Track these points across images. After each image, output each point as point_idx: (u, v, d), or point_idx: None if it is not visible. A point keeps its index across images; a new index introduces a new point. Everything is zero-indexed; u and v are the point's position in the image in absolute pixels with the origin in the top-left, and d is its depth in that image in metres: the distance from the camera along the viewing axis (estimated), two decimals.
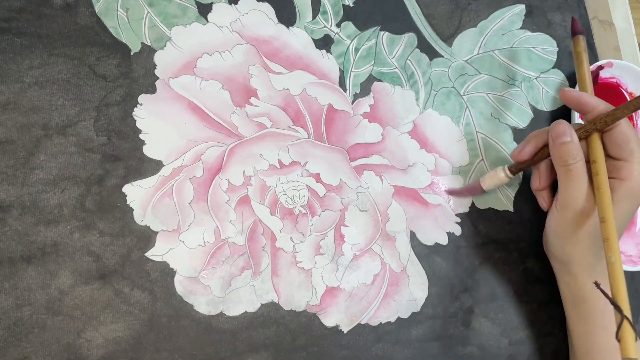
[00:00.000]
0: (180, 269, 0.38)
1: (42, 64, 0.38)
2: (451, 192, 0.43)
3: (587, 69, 0.40)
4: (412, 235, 0.42)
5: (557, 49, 0.47)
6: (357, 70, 0.43)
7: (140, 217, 0.38)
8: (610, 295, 0.30)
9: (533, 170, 0.40)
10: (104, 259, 0.37)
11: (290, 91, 0.42)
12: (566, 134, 0.35)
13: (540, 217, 0.44)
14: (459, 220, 0.43)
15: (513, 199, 0.44)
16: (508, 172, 0.40)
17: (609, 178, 0.35)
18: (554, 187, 0.39)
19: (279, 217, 0.40)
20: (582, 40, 0.40)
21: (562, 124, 0.36)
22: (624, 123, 0.35)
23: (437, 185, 0.43)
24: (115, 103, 0.39)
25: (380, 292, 0.41)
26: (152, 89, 0.39)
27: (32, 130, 0.37)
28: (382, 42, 0.44)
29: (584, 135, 0.36)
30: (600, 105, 0.36)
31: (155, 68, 0.40)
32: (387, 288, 0.41)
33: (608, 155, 0.36)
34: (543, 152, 0.38)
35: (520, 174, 0.44)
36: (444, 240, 0.42)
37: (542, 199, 0.40)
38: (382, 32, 0.44)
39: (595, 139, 0.36)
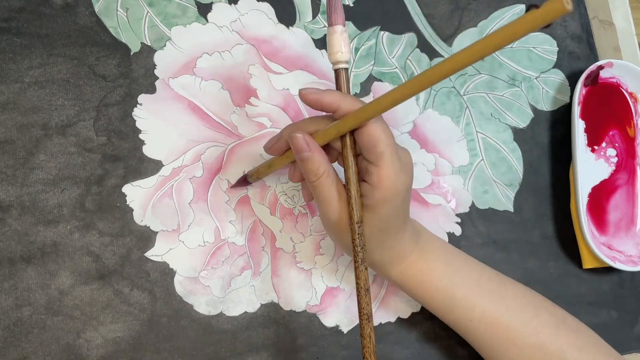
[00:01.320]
0: (180, 269, 0.38)
1: (41, 64, 0.38)
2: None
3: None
4: None
5: (557, 49, 0.47)
6: (357, 70, 0.43)
7: (140, 217, 0.38)
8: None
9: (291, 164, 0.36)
10: (103, 259, 0.37)
11: (290, 91, 0.42)
12: (304, 149, 0.31)
13: (540, 217, 0.44)
14: (459, 220, 0.43)
15: (513, 199, 0.44)
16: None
17: (363, 181, 0.32)
18: None
19: (278, 217, 0.40)
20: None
21: (297, 138, 0.31)
22: (373, 122, 0.30)
23: (438, 185, 0.43)
24: (115, 103, 0.39)
25: (380, 292, 0.41)
26: (151, 89, 0.39)
27: (31, 130, 0.37)
28: (382, 42, 0.44)
29: (328, 141, 0.32)
30: (345, 103, 0.31)
31: (155, 68, 0.40)
32: (387, 288, 0.41)
33: (362, 157, 0.32)
34: (290, 154, 0.34)
35: (520, 173, 0.44)
36: None
37: (304, 191, 0.37)
38: (382, 32, 0.44)
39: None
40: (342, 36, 0.31)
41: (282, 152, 0.35)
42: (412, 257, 0.36)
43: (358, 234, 0.32)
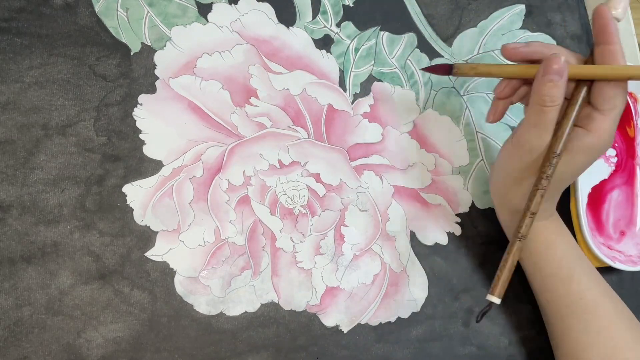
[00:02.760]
0: (180, 269, 0.38)
1: (42, 64, 0.38)
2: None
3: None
4: (412, 235, 0.42)
5: None
6: (357, 70, 0.43)
7: (140, 217, 0.38)
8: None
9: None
10: (104, 259, 0.37)
11: (290, 91, 0.42)
12: (559, 73, 0.32)
13: None
14: (459, 220, 0.43)
15: None
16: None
17: (576, 126, 0.34)
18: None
19: (279, 217, 0.40)
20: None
21: (560, 61, 0.32)
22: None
23: (438, 184, 0.43)
24: (115, 103, 0.39)
25: (380, 292, 0.41)
26: (152, 89, 0.39)
27: (32, 130, 0.37)
28: (382, 42, 0.44)
29: (577, 77, 0.34)
30: (618, 45, 0.33)
31: (155, 68, 0.40)
32: (387, 288, 0.41)
33: (587, 101, 0.34)
34: (524, 69, 0.35)
35: None
36: (444, 240, 0.42)
37: (494, 109, 0.38)
38: (382, 32, 0.44)
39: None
40: None
41: (518, 60, 0.35)
42: (552, 217, 0.38)
43: (551, 164, 0.33)
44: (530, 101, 0.34)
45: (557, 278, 0.37)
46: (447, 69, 0.37)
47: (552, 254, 0.37)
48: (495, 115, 0.38)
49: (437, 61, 0.45)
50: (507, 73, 0.36)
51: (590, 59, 0.35)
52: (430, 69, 0.39)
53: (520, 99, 0.38)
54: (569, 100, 0.34)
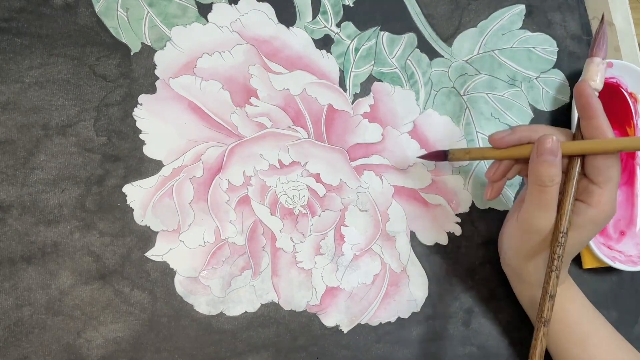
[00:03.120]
0: (180, 269, 0.38)
1: (42, 64, 0.38)
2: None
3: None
4: (412, 235, 0.42)
5: (557, 49, 0.47)
6: (357, 70, 0.43)
7: (140, 217, 0.38)
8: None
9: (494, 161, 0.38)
10: (104, 259, 0.37)
11: (290, 91, 0.42)
12: (553, 153, 0.33)
13: None
14: (459, 220, 0.43)
15: (513, 198, 0.44)
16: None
17: (577, 200, 0.34)
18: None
19: (279, 217, 0.40)
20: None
21: (551, 140, 0.33)
22: None
23: (438, 185, 0.43)
24: (115, 103, 0.39)
25: (380, 292, 0.41)
26: (152, 89, 0.39)
27: (32, 130, 0.37)
28: (382, 42, 0.44)
29: (570, 154, 0.34)
30: (603, 119, 0.33)
31: (155, 68, 0.40)
32: (387, 288, 0.41)
33: (583, 174, 0.35)
34: (516, 151, 0.36)
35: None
36: (444, 240, 0.42)
37: (491, 189, 0.38)
38: (382, 32, 0.44)
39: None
40: (599, 67, 0.35)
41: (506, 146, 0.36)
42: (564, 284, 0.38)
43: (560, 244, 0.33)
44: (530, 182, 0.34)
45: (571, 342, 0.37)
46: (442, 156, 0.39)
47: (564, 319, 0.38)
48: (492, 194, 0.38)
49: (437, 61, 0.45)
50: (500, 155, 0.36)
51: (578, 133, 0.35)
52: (426, 157, 0.40)
53: (516, 174, 0.38)
54: (565, 176, 0.35)
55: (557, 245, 0.33)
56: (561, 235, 0.33)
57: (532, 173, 0.34)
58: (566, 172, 0.35)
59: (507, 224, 0.38)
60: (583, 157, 0.34)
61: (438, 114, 0.44)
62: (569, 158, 0.35)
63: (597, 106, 0.33)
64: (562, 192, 0.34)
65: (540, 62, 0.46)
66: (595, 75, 0.35)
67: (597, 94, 0.35)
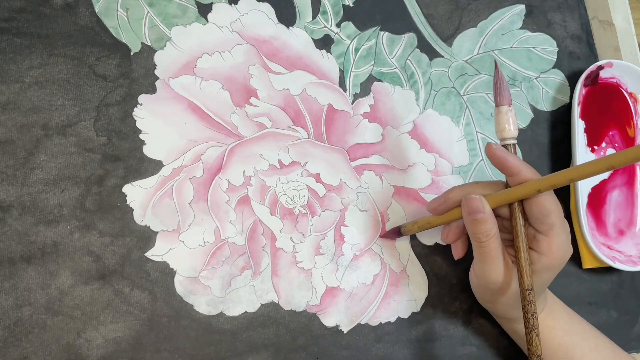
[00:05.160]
0: (180, 269, 0.38)
1: (42, 64, 0.38)
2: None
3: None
4: (412, 235, 0.42)
5: (557, 49, 0.47)
6: (357, 70, 0.43)
7: (140, 217, 0.38)
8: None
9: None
10: (104, 259, 0.37)
11: (290, 91, 0.42)
12: (479, 211, 0.33)
13: None
14: None
15: None
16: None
17: (530, 249, 0.34)
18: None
19: (279, 217, 0.40)
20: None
21: (474, 200, 0.33)
22: (544, 193, 0.32)
23: (438, 185, 0.43)
24: (115, 103, 0.39)
25: (380, 292, 0.41)
26: (152, 89, 0.39)
27: (32, 130, 0.37)
28: (382, 42, 0.44)
29: (499, 205, 0.34)
30: (525, 171, 0.33)
31: (155, 68, 0.40)
32: (387, 288, 0.41)
33: (529, 224, 0.34)
34: (454, 213, 0.36)
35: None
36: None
37: (455, 249, 0.38)
38: (382, 32, 0.44)
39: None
40: (508, 115, 0.34)
41: (442, 213, 0.36)
42: (542, 314, 0.38)
43: (529, 301, 0.33)
44: (471, 241, 0.35)
45: None
46: (397, 232, 0.40)
47: (548, 345, 0.38)
48: (459, 252, 0.38)
49: (436, 61, 0.45)
50: (443, 220, 0.37)
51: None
52: (386, 235, 0.41)
53: None
54: (513, 231, 0.34)
55: (527, 304, 0.33)
56: (527, 292, 0.33)
57: (468, 232, 0.35)
58: (512, 227, 0.34)
59: (470, 272, 0.38)
60: (522, 207, 0.34)
61: (438, 114, 0.44)
62: (510, 211, 0.34)
63: (514, 161, 0.33)
64: (515, 248, 0.34)
65: (540, 62, 0.46)
66: (507, 124, 0.34)
67: (514, 140, 0.34)
